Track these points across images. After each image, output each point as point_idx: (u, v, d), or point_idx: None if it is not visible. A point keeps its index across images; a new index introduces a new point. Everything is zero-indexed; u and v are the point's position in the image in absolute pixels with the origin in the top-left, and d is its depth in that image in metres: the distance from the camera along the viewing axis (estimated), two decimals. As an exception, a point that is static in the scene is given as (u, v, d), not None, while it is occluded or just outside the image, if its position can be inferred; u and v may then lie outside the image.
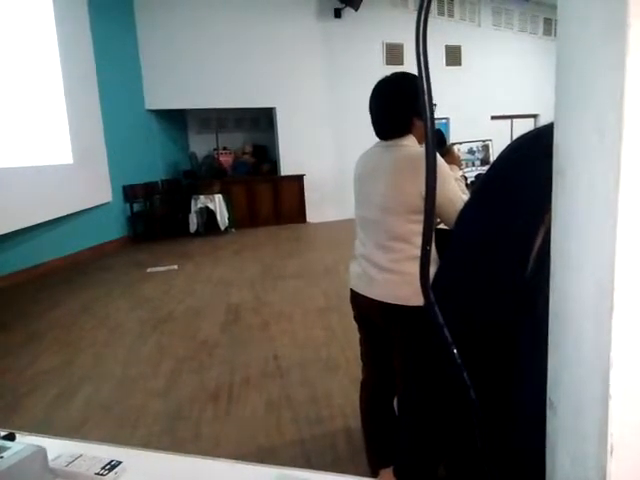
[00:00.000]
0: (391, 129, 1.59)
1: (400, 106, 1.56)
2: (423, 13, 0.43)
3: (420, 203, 1.48)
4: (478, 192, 0.64)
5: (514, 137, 0.62)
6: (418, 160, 1.49)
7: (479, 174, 4.84)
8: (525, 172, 0.56)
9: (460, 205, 1.46)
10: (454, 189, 1.51)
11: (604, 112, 0.32)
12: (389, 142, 1.60)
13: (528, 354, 0.52)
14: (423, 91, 0.41)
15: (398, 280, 1.55)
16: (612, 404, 0.33)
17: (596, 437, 0.34)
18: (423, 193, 1.54)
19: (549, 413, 0.45)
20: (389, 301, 1.57)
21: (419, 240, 1.59)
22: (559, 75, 0.39)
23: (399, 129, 1.57)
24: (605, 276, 0.32)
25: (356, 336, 1.91)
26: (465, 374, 0.45)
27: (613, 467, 0.34)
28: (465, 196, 1.55)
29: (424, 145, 1.46)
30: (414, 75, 1.61)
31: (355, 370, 2.75)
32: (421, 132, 1.61)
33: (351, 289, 1.75)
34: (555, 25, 10.76)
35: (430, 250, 0.45)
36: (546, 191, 0.44)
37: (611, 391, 0.33)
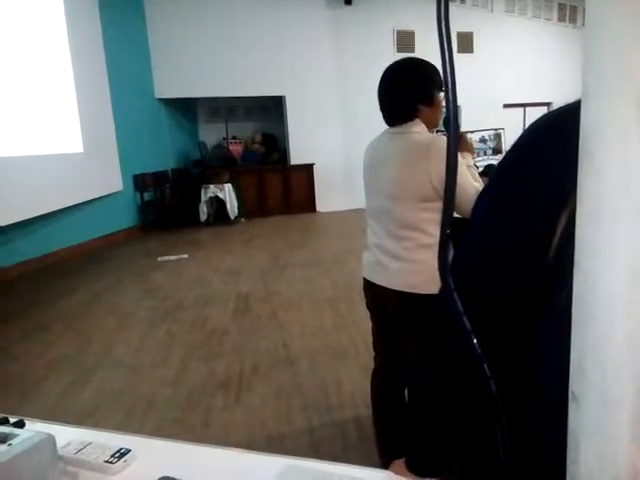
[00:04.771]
0: (397, 115, 1.59)
1: (404, 93, 1.56)
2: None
3: (430, 190, 1.47)
4: (497, 175, 0.62)
5: (527, 126, 0.59)
6: (427, 147, 1.48)
7: (490, 164, 4.76)
8: (546, 153, 0.53)
9: (471, 190, 1.45)
10: (464, 174, 1.49)
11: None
12: (397, 129, 1.59)
13: (549, 343, 0.50)
14: (447, 78, 0.39)
15: (412, 268, 1.54)
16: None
17: (628, 435, 0.32)
18: (433, 180, 1.52)
19: (572, 406, 0.42)
20: (403, 289, 1.56)
21: (430, 228, 1.57)
22: (588, 48, 0.37)
23: (404, 116, 1.57)
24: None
25: (366, 325, 1.89)
26: (485, 365, 0.43)
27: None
28: (477, 184, 1.53)
29: (433, 131, 1.42)
30: (421, 60, 1.59)
31: (365, 359, 2.75)
32: (429, 118, 1.59)
33: (364, 278, 1.75)
34: (569, 11, 10.58)
35: (450, 234, 0.42)
36: (569, 173, 0.42)
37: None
